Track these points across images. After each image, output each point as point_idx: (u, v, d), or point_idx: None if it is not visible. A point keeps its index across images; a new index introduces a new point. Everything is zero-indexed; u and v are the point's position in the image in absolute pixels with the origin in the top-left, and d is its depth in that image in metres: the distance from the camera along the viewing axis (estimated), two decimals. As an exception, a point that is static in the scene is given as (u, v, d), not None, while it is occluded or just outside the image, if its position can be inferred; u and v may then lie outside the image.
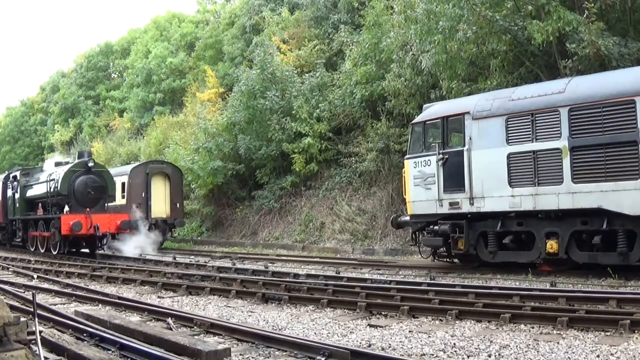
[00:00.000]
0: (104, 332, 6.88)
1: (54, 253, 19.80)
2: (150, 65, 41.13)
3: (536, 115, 11.54)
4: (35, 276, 14.15)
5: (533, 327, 7.18)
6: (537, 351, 6.09)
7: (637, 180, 10.24)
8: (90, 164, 19.91)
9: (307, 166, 23.09)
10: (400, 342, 6.68)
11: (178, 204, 24.97)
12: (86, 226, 18.60)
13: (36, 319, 5.49)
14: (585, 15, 13.00)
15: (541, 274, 11.79)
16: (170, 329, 7.60)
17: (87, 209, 19.02)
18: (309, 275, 12.50)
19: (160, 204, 24.44)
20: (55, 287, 12.20)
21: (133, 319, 8.23)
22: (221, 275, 12.76)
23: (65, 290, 11.62)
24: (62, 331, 7.14)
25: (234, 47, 34.05)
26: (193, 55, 39.66)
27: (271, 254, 19.37)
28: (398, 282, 10.71)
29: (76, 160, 20.80)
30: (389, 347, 6.48)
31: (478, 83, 16.07)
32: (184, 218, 25.94)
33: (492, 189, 12.14)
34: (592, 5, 12.87)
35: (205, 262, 17.06)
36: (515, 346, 6.31)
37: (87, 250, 20.68)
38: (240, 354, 6.24)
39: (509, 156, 11.91)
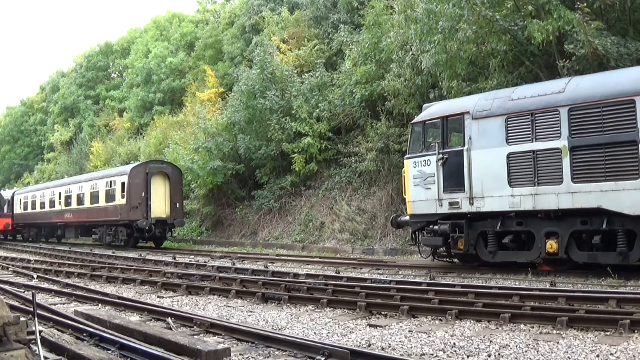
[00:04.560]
0: (104, 332, 6.88)
1: None
2: (150, 65, 41.13)
3: (536, 115, 11.52)
4: (35, 276, 14.17)
5: (533, 327, 7.18)
6: (537, 351, 6.09)
7: (637, 180, 10.23)
8: None
9: (307, 166, 23.10)
10: (400, 342, 6.67)
11: (178, 204, 25.02)
12: None
13: (36, 319, 5.49)
14: (578, 15, 12.97)
15: (541, 274, 11.78)
16: (170, 329, 7.60)
17: None
18: (309, 275, 12.50)
19: (160, 204, 24.48)
20: (55, 287, 12.21)
21: (133, 319, 8.23)
22: (221, 275, 12.75)
23: (65, 290, 11.63)
24: (62, 331, 7.15)
25: (234, 47, 34.07)
26: (193, 55, 39.66)
27: (271, 254, 19.37)
28: (398, 282, 10.70)
29: None
30: (389, 347, 6.48)
31: (478, 83, 16.07)
32: (184, 218, 25.98)
33: (492, 189, 12.13)
34: (585, 5, 12.84)
35: (205, 262, 17.06)
36: (515, 346, 6.31)
37: None
38: (240, 354, 6.24)
39: (509, 156, 11.90)
